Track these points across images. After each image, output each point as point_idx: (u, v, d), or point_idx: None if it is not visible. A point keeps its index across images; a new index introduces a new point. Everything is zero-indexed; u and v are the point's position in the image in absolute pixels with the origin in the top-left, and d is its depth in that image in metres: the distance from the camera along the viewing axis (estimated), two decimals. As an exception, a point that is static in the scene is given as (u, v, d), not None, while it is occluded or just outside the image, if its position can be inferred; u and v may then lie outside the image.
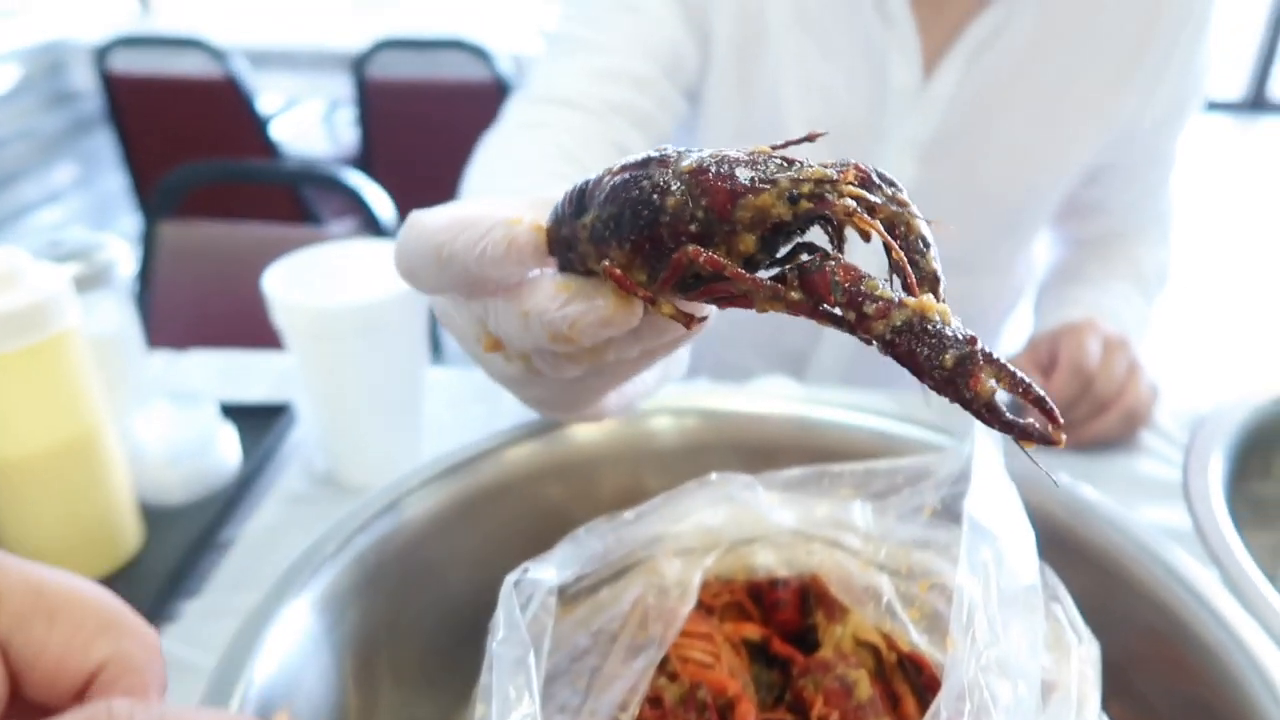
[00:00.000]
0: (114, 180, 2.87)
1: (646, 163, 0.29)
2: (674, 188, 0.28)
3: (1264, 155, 4.67)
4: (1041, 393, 0.25)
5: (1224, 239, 3.48)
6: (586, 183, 0.31)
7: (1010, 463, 0.41)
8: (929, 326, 0.25)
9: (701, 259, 0.27)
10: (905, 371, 0.27)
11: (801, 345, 1.03)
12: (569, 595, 0.44)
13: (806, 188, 0.27)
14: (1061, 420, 0.25)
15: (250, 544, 0.71)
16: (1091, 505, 0.47)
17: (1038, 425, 0.25)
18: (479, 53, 2.10)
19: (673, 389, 0.54)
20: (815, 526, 0.46)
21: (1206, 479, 0.51)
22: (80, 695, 0.22)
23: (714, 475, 0.45)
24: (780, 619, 0.47)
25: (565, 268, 0.32)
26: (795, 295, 0.27)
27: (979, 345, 0.25)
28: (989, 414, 0.25)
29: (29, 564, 0.22)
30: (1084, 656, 0.38)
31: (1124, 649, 0.43)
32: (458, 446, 0.52)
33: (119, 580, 0.65)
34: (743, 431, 0.55)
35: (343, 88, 2.39)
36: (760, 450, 0.54)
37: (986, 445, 0.41)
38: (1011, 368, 0.25)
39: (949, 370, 0.25)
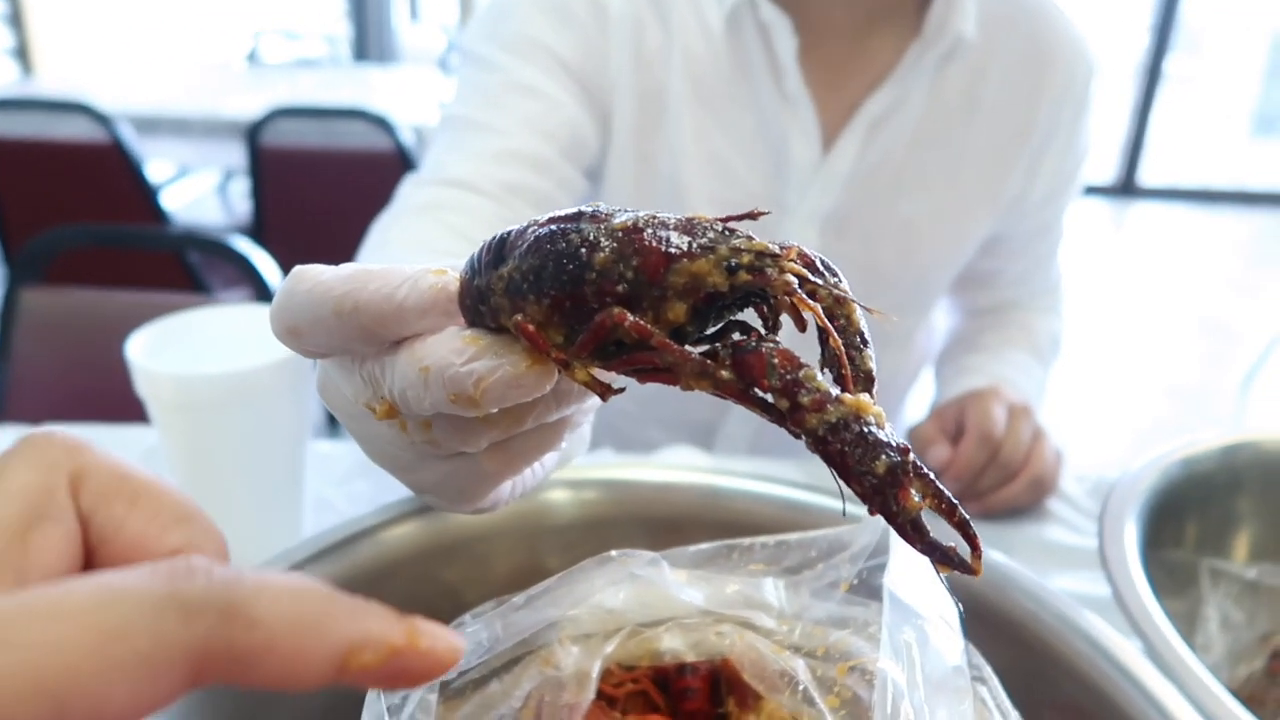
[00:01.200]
0: (-19, 249, 2.71)
1: (578, 216, 0.27)
2: (604, 244, 0.26)
3: (1136, 237, 4.98)
4: (967, 517, 0.24)
5: (1098, 319, 3.66)
6: (509, 232, 0.28)
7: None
8: (864, 429, 0.24)
9: (627, 323, 0.25)
10: None
11: (709, 417, 1.00)
12: (452, 690, 0.40)
13: (746, 258, 0.25)
14: (982, 550, 0.24)
15: (100, 640, 0.63)
16: (1010, 577, 0.45)
17: (958, 551, 0.24)
18: (380, 122, 2.06)
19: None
20: (725, 606, 0.43)
21: (1123, 547, 0.49)
22: None
23: (614, 552, 0.41)
24: (689, 709, 0.43)
25: (475, 323, 0.29)
26: (725, 375, 0.25)
27: (911, 456, 0.24)
28: (913, 531, 0.24)
29: (114, 453, 0.24)
30: (1014, 742, 0.35)
31: (1051, 730, 0.40)
32: (334, 525, 0.47)
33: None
34: (647, 503, 0.52)
35: (237, 156, 2.32)
36: (666, 523, 0.51)
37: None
38: (940, 485, 0.24)
39: (879, 478, 0.23)
